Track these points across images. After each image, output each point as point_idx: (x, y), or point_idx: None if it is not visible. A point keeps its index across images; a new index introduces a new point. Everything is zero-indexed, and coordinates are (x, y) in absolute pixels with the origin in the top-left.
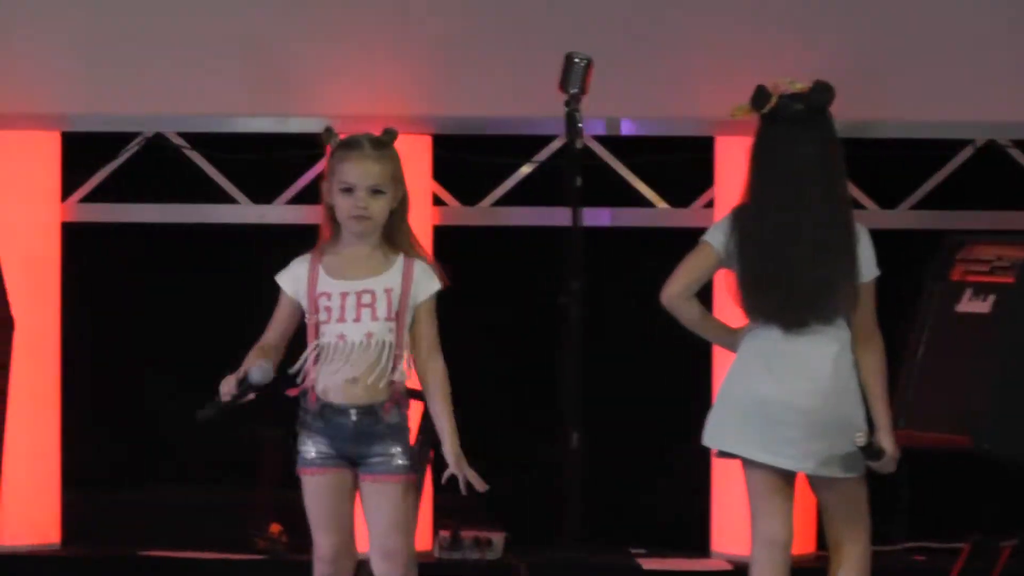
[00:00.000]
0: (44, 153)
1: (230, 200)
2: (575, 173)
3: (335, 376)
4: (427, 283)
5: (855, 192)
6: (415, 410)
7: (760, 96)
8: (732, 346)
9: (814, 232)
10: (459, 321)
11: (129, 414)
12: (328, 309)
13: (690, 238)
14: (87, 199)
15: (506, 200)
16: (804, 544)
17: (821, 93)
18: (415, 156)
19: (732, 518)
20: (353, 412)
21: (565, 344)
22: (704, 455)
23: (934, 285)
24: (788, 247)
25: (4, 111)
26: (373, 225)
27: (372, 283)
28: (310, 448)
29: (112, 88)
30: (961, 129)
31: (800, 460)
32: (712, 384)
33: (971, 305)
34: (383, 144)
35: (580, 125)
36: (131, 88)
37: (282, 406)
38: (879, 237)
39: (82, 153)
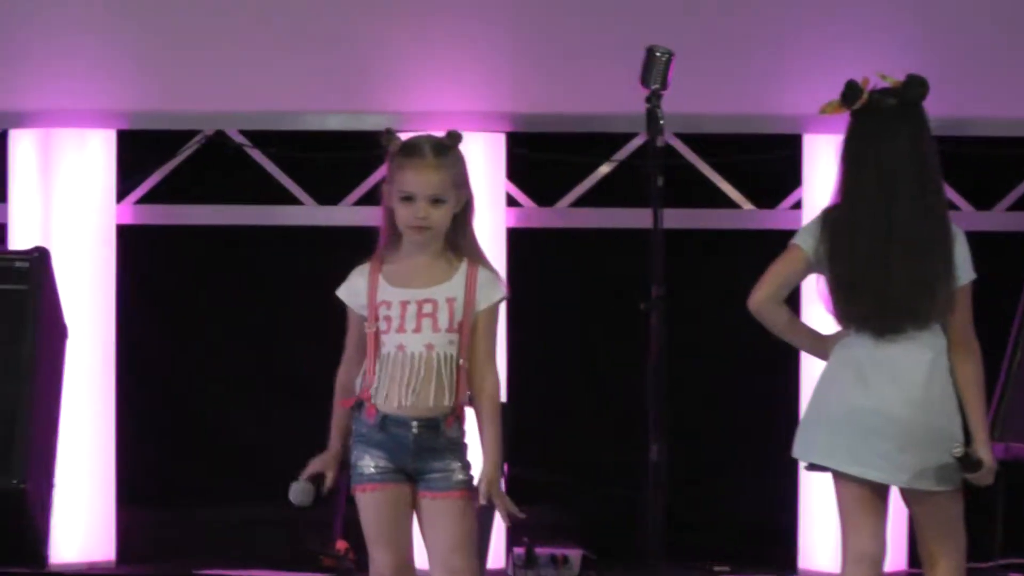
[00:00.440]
0: (99, 152)
1: (294, 201)
2: (656, 172)
3: (396, 388)
4: (490, 290)
5: (948, 192)
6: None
7: (851, 92)
8: (823, 354)
9: (908, 232)
10: (534, 329)
11: (188, 427)
12: (388, 319)
13: (777, 240)
14: (143, 200)
15: (584, 201)
16: (897, 560)
17: (914, 88)
18: (489, 155)
19: (821, 533)
20: (414, 424)
21: (647, 353)
22: (791, 468)
23: None
24: (881, 248)
25: (57, 108)
26: (433, 235)
27: (434, 292)
28: (368, 463)
29: (171, 84)
30: None
31: (892, 472)
32: (800, 393)
33: None
34: (445, 149)
35: (661, 122)
36: (191, 84)
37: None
38: (973, 239)
39: (138, 152)
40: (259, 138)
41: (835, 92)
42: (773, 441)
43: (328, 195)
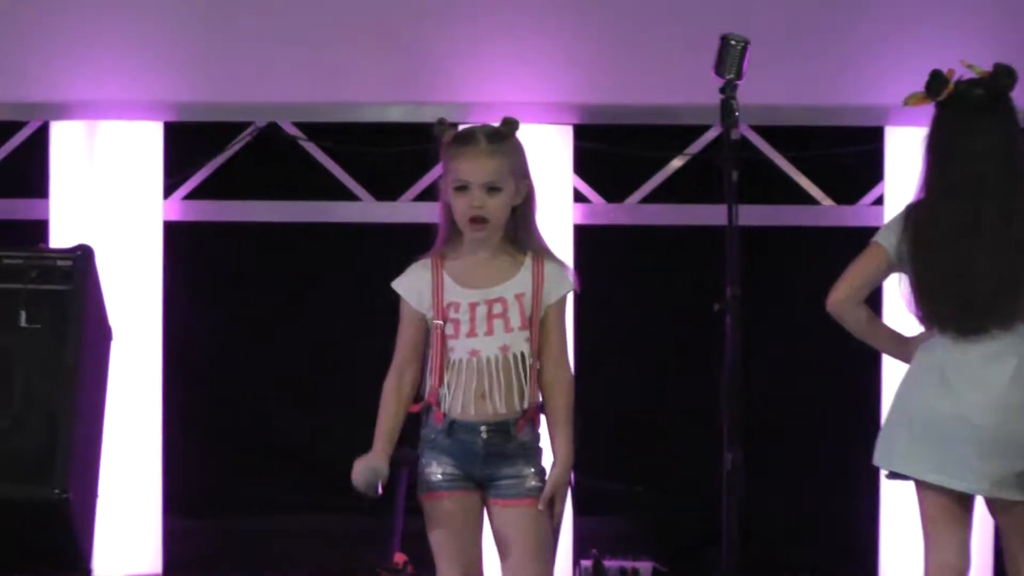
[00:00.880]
0: (145, 146)
1: (351, 197)
2: (731, 167)
3: (465, 392)
4: (559, 283)
5: None
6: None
7: (935, 82)
8: (905, 356)
9: (995, 229)
10: (601, 331)
11: (236, 433)
12: (456, 322)
13: (858, 238)
14: (191, 196)
15: (654, 197)
16: (982, 572)
17: (1003, 78)
18: (555, 148)
19: (903, 545)
20: (483, 429)
21: (720, 357)
22: (872, 476)
23: None
24: (967, 246)
25: (101, 99)
26: (491, 228)
27: (502, 290)
28: (435, 470)
29: (221, 74)
30: None
31: (976, 481)
32: (882, 398)
33: None
34: (501, 136)
35: (736, 113)
36: (242, 74)
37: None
38: None
39: (186, 145)
40: (314, 131)
41: (919, 82)
42: (853, 448)
43: (386, 191)
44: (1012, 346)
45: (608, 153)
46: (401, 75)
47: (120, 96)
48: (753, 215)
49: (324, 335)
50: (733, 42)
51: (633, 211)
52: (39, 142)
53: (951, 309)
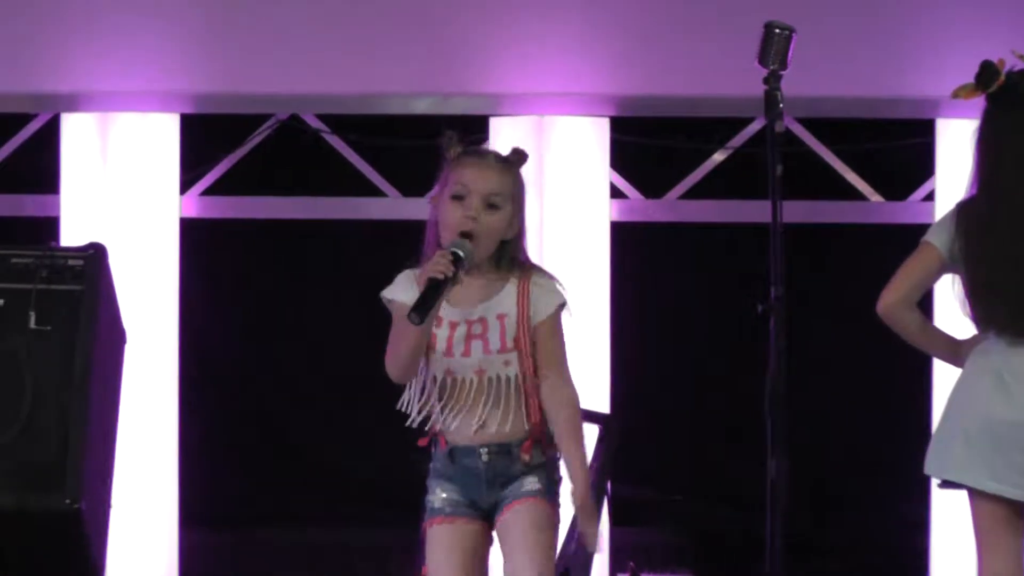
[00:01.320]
0: (161, 139)
1: (377, 193)
2: (775, 161)
3: (456, 416)
4: (547, 299)
5: None
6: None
7: (987, 73)
8: (958, 361)
9: None
10: (639, 333)
11: (255, 441)
12: (434, 337)
13: (908, 236)
14: (209, 192)
15: (694, 192)
16: None
17: None
18: (591, 141)
19: (955, 555)
20: (483, 452)
21: (764, 360)
22: (923, 485)
23: None
24: (1020, 246)
25: (115, 89)
26: (477, 244)
27: (484, 309)
28: (437, 495)
29: (241, 63)
30: None
31: None
32: (933, 404)
33: None
34: (509, 163)
35: (781, 105)
36: (262, 63)
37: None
38: None
39: (204, 138)
40: (338, 123)
41: (969, 73)
42: (903, 456)
43: (413, 186)
44: None
45: (646, 147)
46: (428, 65)
47: (135, 87)
48: (798, 212)
49: (348, 337)
50: (778, 30)
51: (672, 207)
52: (50, 135)
53: (1006, 313)
